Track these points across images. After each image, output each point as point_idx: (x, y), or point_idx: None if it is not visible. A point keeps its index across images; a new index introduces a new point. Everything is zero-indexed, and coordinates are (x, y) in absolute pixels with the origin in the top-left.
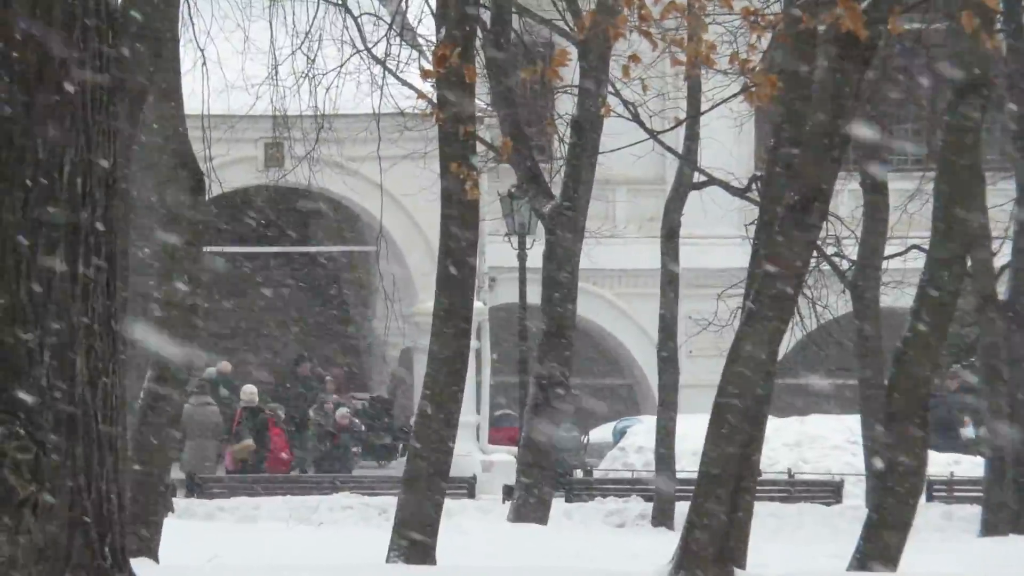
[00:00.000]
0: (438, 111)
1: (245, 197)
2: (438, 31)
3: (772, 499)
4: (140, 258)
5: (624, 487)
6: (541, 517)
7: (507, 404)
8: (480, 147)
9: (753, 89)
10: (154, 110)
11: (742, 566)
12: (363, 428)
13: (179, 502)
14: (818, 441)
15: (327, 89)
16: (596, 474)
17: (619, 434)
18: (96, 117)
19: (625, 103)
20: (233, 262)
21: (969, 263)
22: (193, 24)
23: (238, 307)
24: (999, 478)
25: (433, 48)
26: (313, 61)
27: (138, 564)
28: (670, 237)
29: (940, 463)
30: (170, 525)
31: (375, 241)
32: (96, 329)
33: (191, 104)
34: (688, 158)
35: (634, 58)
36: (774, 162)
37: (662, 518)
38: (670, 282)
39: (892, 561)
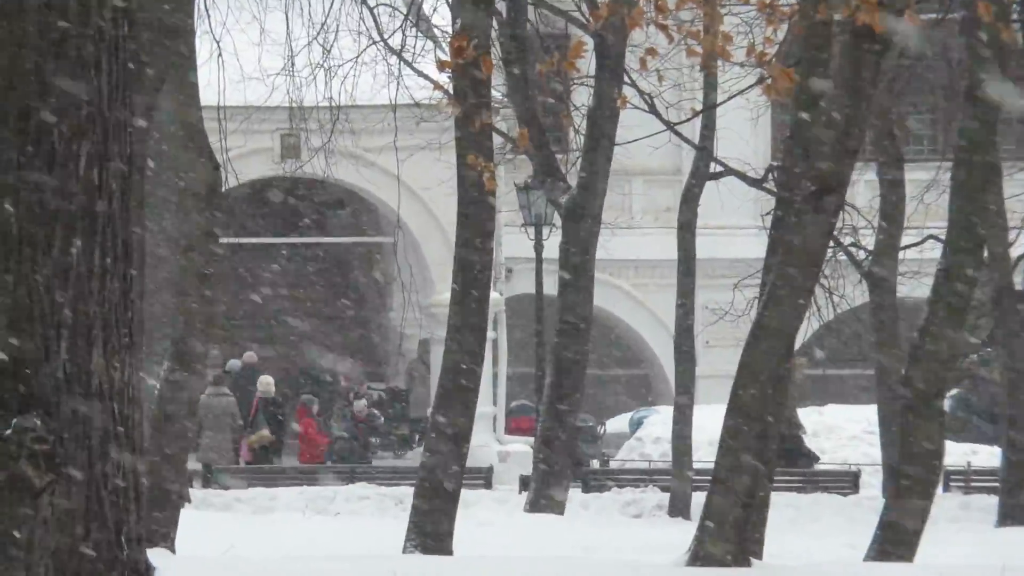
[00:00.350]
0: (454, 102)
1: (261, 188)
2: (454, 22)
3: (789, 489)
4: (156, 249)
5: (641, 477)
6: (558, 507)
7: (524, 395)
8: (496, 138)
9: (770, 82)
10: (170, 101)
11: (759, 556)
12: (382, 419)
13: (196, 493)
14: (835, 431)
15: (343, 80)
16: (613, 464)
17: (636, 424)
18: (112, 108)
19: (641, 94)
20: (250, 254)
21: (986, 253)
22: (209, 15)
23: (255, 299)
24: (1016, 468)
25: (449, 39)
26: (329, 52)
27: (155, 555)
28: (686, 227)
29: (957, 453)
30: (187, 516)
31: (392, 232)
32: (112, 320)
33: (207, 95)
34: (704, 149)
35: (651, 51)
36: (790, 152)
37: (679, 509)
38: (686, 272)
39: (909, 551)
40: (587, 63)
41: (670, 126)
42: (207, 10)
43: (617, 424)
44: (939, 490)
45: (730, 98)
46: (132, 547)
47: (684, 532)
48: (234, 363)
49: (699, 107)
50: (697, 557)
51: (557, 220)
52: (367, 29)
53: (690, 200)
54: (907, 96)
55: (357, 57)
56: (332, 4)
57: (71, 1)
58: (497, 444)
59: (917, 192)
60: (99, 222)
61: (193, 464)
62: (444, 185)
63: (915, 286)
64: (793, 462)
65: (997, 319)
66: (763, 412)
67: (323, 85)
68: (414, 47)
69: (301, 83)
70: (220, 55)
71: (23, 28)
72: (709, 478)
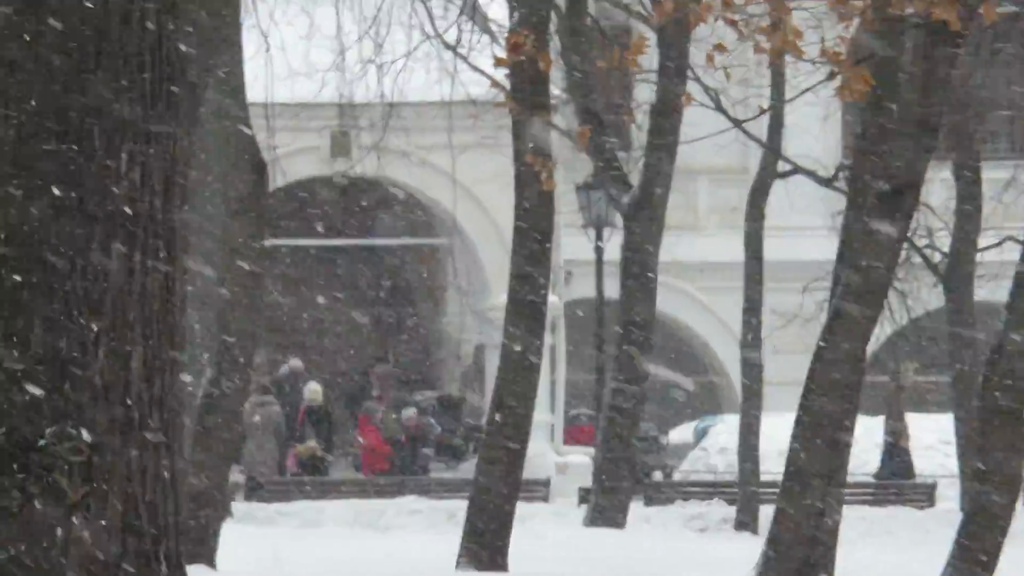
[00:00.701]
0: (512, 100)
1: (310, 188)
2: (511, 15)
3: (861, 503)
4: (199, 253)
5: (706, 489)
6: (619, 521)
7: (583, 403)
8: (555, 136)
9: (843, 83)
10: (216, 98)
11: (830, 573)
12: (439, 429)
13: (238, 506)
14: (910, 441)
15: (395, 76)
16: (676, 476)
17: (700, 434)
18: (155, 106)
19: (707, 90)
20: (297, 257)
21: None
22: (256, 9)
23: (302, 303)
24: None
25: (506, 33)
26: (381, 47)
27: (195, 571)
28: (754, 228)
29: None
30: (228, 530)
31: (446, 233)
32: (154, 325)
33: (254, 91)
34: (772, 147)
35: (720, 47)
36: (862, 151)
37: (746, 523)
38: (754, 275)
39: (988, 567)
40: (649, 58)
41: (737, 123)
42: (254, 3)
43: (681, 433)
44: (1019, 502)
45: (799, 94)
46: (171, 563)
47: (751, 547)
48: (283, 370)
49: (766, 104)
50: (765, 574)
51: (618, 221)
52: (420, 23)
53: (757, 200)
54: (984, 92)
55: (410, 52)
56: None
57: None
58: (555, 455)
59: (995, 192)
60: (140, 224)
61: (236, 476)
62: (500, 183)
63: (993, 289)
64: (902, 475)
65: None
66: (834, 422)
67: (374, 81)
68: (469, 41)
69: (352, 79)
70: (268, 50)
71: (65, 25)
72: (777, 490)
